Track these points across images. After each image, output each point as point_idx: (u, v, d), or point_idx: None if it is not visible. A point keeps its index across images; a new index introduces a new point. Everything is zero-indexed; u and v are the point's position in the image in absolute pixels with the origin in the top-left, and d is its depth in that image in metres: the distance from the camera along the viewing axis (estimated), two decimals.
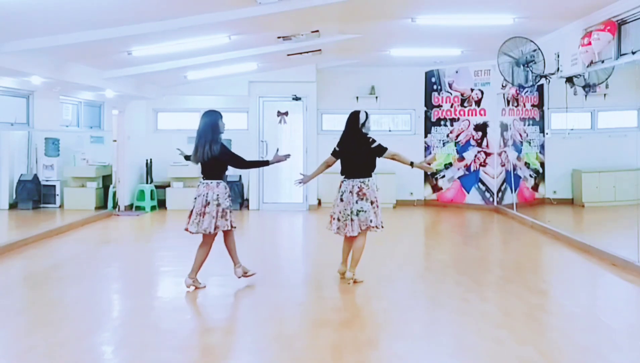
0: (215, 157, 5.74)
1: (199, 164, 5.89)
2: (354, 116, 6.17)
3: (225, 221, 5.82)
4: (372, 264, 7.06)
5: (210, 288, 6.13)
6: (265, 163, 6.13)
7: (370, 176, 6.10)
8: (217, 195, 5.77)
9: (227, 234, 6.02)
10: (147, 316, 5.18)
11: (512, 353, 4.17)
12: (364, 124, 6.10)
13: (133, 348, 4.37)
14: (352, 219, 5.98)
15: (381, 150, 6.09)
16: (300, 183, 6.40)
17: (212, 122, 5.81)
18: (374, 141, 6.09)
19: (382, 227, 6.09)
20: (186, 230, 5.87)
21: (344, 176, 6.15)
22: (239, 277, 6.14)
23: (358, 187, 6.00)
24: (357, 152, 6.08)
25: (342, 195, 6.06)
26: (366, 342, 4.43)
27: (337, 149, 6.21)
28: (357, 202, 5.97)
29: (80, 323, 4.90)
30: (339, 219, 6.07)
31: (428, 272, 6.51)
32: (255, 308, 5.48)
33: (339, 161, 6.26)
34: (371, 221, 5.97)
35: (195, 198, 5.83)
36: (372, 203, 5.99)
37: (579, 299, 5.76)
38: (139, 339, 4.57)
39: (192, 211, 5.83)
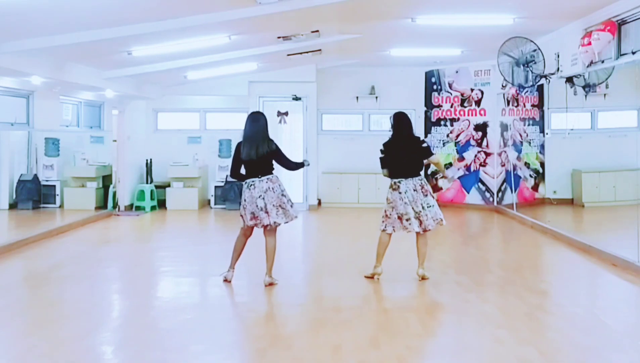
0: (271, 152, 5.96)
1: (247, 160, 5.95)
2: (405, 117, 6.29)
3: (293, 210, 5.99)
4: (372, 264, 7.05)
5: (210, 288, 6.14)
6: (301, 165, 6.33)
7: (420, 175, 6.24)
8: (283, 187, 6.00)
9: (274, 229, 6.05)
10: (147, 316, 5.18)
11: (512, 353, 4.17)
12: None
13: (133, 348, 4.37)
14: (426, 214, 6.07)
15: (429, 153, 6.29)
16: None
17: (265, 122, 6.08)
18: (423, 141, 6.32)
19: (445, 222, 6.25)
20: (271, 224, 5.85)
21: (396, 177, 6.15)
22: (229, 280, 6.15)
23: (420, 185, 6.12)
24: (410, 152, 6.18)
25: (405, 194, 6.07)
26: (366, 342, 4.43)
27: (382, 155, 6.26)
28: (424, 198, 6.10)
29: (80, 323, 4.90)
30: (407, 220, 6.05)
31: (428, 272, 6.49)
32: (255, 308, 5.48)
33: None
34: (440, 216, 6.16)
35: (261, 195, 5.84)
36: (434, 199, 6.20)
37: (579, 299, 5.76)
38: (139, 339, 4.57)
39: (263, 208, 5.83)
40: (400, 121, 6.26)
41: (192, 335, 4.60)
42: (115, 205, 11.40)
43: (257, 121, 6.06)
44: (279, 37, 8.28)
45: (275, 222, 5.85)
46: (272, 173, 5.97)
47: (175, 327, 4.86)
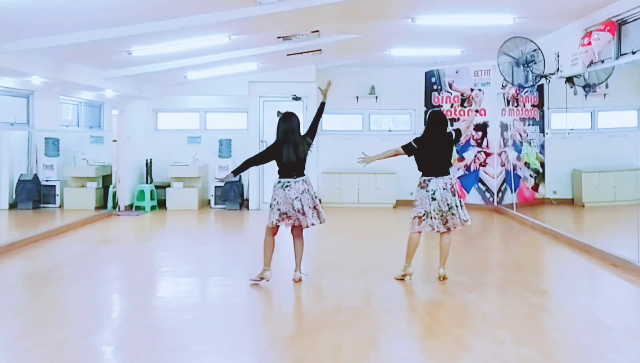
0: (308, 151, 6.05)
1: (286, 162, 5.94)
2: (441, 116, 6.29)
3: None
4: (372, 264, 7.06)
5: (210, 288, 6.14)
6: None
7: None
8: (315, 190, 6.10)
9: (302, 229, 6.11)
10: (147, 316, 5.18)
11: (512, 353, 4.17)
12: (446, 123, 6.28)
13: (133, 348, 4.37)
14: (453, 214, 6.01)
15: (458, 135, 6.26)
16: (362, 162, 6.30)
17: (298, 122, 6.11)
18: (450, 133, 6.24)
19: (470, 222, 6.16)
20: (308, 226, 5.92)
21: (427, 175, 6.09)
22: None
23: (451, 184, 6.06)
24: (443, 151, 6.15)
25: (433, 194, 6.00)
26: (366, 342, 4.43)
27: (414, 145, 6.15)
28: (452, 198, 6.02)
29: (80, 323, 4.90)
30: (433, 218, 6.01)
31: (428, 272, 6.50)
32: (256, 308, 5.48)
33: (402, 156, 6.28)
34: (465, 218, 6.05)
35: (298, 197, 5.85)
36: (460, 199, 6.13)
37: (579, 299, 5.76)
38: (139, 339, 4.57)
39: (300, 209, 5.84)
40: (435, 119, 6.23)
41: (192, 335, 4.60)
42: (115, 205, 11.40)
43: (291, 123, 6.06)
44: (279, 37, 8.28)
45: (312, 224, 5.91)
46: (304, 174, 6.02)
47: (175, 327, 4.86)
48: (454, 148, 6.32)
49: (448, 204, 5.99)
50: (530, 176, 11.95)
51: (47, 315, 5.15)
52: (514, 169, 11.57)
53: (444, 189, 6.01)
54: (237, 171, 6.13)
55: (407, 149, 6.18)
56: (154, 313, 5.31)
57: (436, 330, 4.79)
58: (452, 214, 6.00)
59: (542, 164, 12.06)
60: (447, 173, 6.11)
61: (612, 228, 9.64)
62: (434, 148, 6.12)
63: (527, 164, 11.89)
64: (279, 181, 5.98)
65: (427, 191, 6.02)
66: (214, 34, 7.60)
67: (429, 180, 6.05)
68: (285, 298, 5.71)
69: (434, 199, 5.99)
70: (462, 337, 4.58)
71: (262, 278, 6.00)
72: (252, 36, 8.12)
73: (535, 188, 12.00)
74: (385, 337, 4.61)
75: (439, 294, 5.78)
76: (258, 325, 4.98)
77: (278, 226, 5.97)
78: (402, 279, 6.14)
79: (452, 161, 6.23)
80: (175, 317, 5.11)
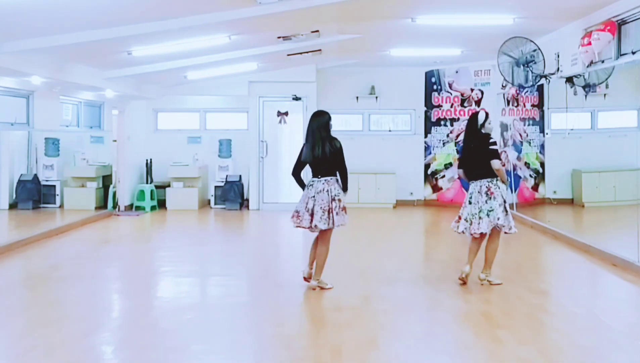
0: (335, 152, 5.77)
1: (304, 161, 5.82)
2: (472, 118, 6.21)
3: (343, 216, 5.81)
4: (372, 264, 7.06)
5: (210, 288, 6.14)
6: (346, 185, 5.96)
7: (496, 176, 6.04)
8: (338, 191, 5.77)
9: (327, 233, 5.88)
10: (147, 316, 5.18)
11: (512, 353, 4.17)
12: (482, 124, 6.12)
13: (133, 348, 4.37)
14: (480, 218, 5.94)
15: (494, 155, 6.07)
16: None
17: (324, 122, 5.89)
18: (494, 142, 6.11)
19: (515, 230, 6.04)
20: (311, 227, 5.72)
21: (469, 179, 6.14)
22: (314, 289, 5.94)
23: (486, 187, 5.99)
24: (478, 153, 6.06)
25: (470, 197, 6.03)
26: (366, 342, 4.43)
27: (460, 157, 6.24)
28: (486, 202, 5.95)
29: (80, 323, 4.90)
30: (466, 220, 6.04)
31: (428, 272, 6.50)
32: (255, 308, 5.48)
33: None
34: (498, 219, 5.93)
35: (314, 196, 5.69)
36: (500, 203, 5.99)
37: (579, 299, 5.76)
38: (139, 339, 4.58)
39: (310, 209, 5.68)
40: (468, 123, 6.23)
41: (192, 335, 4.60)
42: (115, 205, 11.40)
43: (315, 122, 5.90)
44: (279, 37, 8.28)
45: (316, 226, 5.71)
46: (332, 175, 5.77)
47: (175, 327, 4.86)
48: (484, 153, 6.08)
49: (479, 208, 5.95)
50: (530, 176, 11.95)
51: (47, 315, 5.14)
52: (514, 169, 11.56)
53: (478, 193, 5.99)
54: (302, 185, 5.93)
55: (462, 165, 6.33)
56: (154, 313, 5.31)
57: (436, 330, 4.80)
58: (480, 218, 5.95)
59: (542, 164, 12.06)
60: (484, 177, 6.00)
61: (612, 228, 9.64)
62: (468, 152, 6.17)
63: (527, 164, 11.89)
64: (309, 180, 5.85)
65: (468, 194, 6.12)
66: (214, 34, 7.60)
67: (470, 183, 6.13)
68: (285, 298, 5.70)
69: (470, 203, 6.04)
70: (462, 337, 4.58)
71: (305, 278, 5.96)
72: (252, 36, 8.12)
73: (535, 188, 11.99)
74: (385, 337, 4.61)
75: (438, 294, 5.77)
76: (258, 325, 4.98)
77: (307, 227, 5.76)
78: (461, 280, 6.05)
79: (488, 164, 6.01)
80: (175, 317, 5.11)
